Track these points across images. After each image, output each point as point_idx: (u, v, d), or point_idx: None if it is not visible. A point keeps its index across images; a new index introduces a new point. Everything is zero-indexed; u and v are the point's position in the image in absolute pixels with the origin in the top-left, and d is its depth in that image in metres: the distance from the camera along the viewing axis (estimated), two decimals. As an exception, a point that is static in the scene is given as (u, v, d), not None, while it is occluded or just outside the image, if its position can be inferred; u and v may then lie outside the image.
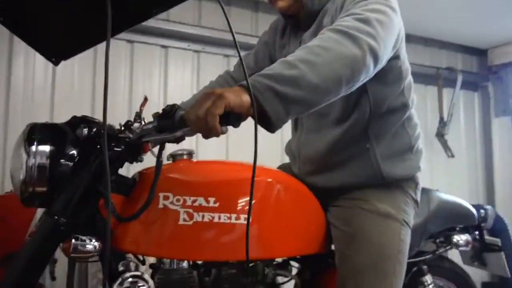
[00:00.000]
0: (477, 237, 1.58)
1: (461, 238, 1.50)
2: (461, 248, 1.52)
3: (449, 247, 1.49)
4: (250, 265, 1.20)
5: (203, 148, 2.62)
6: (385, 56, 1.03)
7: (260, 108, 0.86)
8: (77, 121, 1.06)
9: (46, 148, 0.99)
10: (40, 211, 1.94)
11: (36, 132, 1.00)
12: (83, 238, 0.96)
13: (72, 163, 1.01)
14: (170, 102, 0.99)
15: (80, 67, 2.59)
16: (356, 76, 0.95)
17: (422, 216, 1.39)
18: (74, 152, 1.02)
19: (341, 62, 0.92)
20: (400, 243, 1.20)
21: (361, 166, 1.25)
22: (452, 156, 3.62)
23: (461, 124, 3.94)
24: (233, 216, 1.06)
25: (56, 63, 1.25)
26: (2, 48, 2.43)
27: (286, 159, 1.52)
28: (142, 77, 2.76)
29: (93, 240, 0.96)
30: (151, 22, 2.63)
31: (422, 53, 3.79)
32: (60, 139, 1.02)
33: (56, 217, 0.96)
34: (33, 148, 0.98)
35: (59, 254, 2.40)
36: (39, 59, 2.51)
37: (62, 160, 1.00)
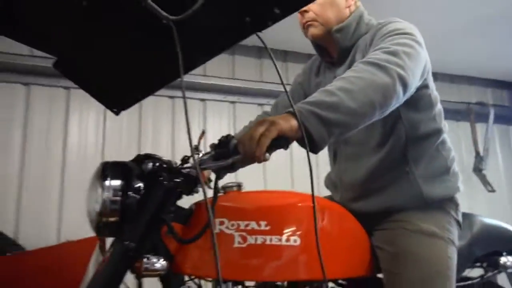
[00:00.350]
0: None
1: (508, 259, 1.49)
2: (509, 270, 1.51)
3: (496, 271, 1.48)
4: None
5: (244, 181, 2.76)
6: (413, 84, 1.14)
7: (306, 131, 0.97)
8: (141, 158, 1.19)
9: (118, 182, 1.10)
10: (95, 255, 2.07)
11: (108, 169, 1.13)
12: (152, 258, 1.06)
13: (139, 195, 1.13)
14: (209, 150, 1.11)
15: (127, 121, 2.81)
16: (388, 101, 1.07)
17: (466, 239, 1.41)
18: (141, 185, 1.14)
19: (374, 89, 1.05)
20: (448, 260, 1.23)
21: (402, 189, 1.32)
22: (493, 190, 3.58)
23: (498, 158, 3.92)
24: (283, 238, 1.14)
25: (117, 113, 1.34)
26: (60, 107, 2.69)
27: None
28: (183, 128, 2.96)
29: (161, 260, 1.07)
30: (189, 78, 2.86)
31: (451, 89, 3.87)
32: (128, 175, 1.14)
33: (126, 243, 1.08)
34: (107, 183, 1.09)
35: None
36: (92, 116, 2.76)
37: (130, 193, 1.12)
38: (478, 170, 3.56)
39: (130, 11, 0.94)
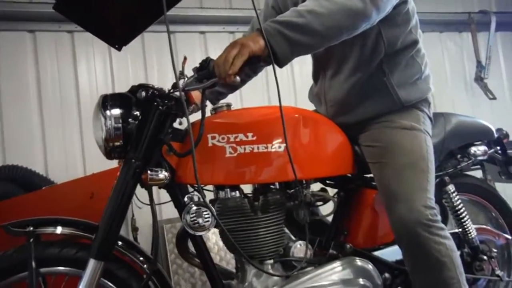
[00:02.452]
0: (499, 151, 1.70)
1: (478, 149, 1.63)
2: (479, 158, 1.65)
3: (469, 161, 1.63)
4: (291, 191, 1.43)
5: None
6: (388, 6, 1.23)
7: (272, 49, 1.10)
8: (135, 88, 1.34)
9: (117, 111, 1.25)
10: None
11: (107, 100, 1.28)
12: (156, 169, 1.24)
13: (137, 121, 1.28)
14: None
15: (132, 60, 2.95)
16: (358, 25, 1.18)
17: (440, 136, 1.55)
18: (137, 112, 1.29)
19: (344, 14, 1.15)
20: (427, 148, 1.40)
21: (381, 98, 1.44)
22: (494, 98, 3.64)
23: (501, 66, 3.92)
24: (269, 145, 1.30)
25: (119, 48, 1.45)
26: (67, 52, 2.85)
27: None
28: (188, 65, 3.07)
29: (163, 171, 1.25)
30: (186, 11, 2.93)
31: (455, 1, 3.80)
32: (126, 103, 1.29)
33: (133, 161, 1.25)
34: (108, 112, 1.25)
35: (140, 224, 2.77)
36: (98, 58, 2.90)
37: (129, 119, 1.27)
38: (479, 79, 3.61)
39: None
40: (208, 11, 3.13)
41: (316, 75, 1.63)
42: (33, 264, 1.17)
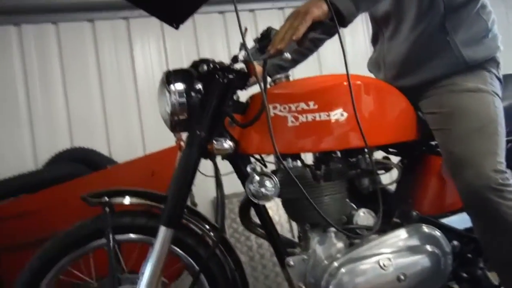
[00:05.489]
0: None
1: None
2: None
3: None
4: (353, 159, 1.42)
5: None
6: None
7: (336, 8, 1.08)
8: (197, 63, 1.37)
9: (181, 86, 1.29)
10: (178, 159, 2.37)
11: (171, 76, 1.32)
12: (220, 139, 1.27)
13: (200, 94, 1.32)
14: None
15: (185, 42, 3.01)
16: None
17: (510, 98, 1.47)
18: (200, 86, 1.32)
19: None
20: (495, 110, 1.33)
21: (444, 58, 1.38)
22: None
23: None
24: (331, 113, 1.30)
25: (176, 27, 1.51)
26: (123, 38, 2.95)
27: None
28: (237, 40, 3.09)
29: (227, 140, 1.28)
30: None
31: None
32: (189, 78, 1.32)
33: (198, 133, 1.29)
34: (172, 87, 1.29)
35: (199, 200, 2.84)
36: (153, 42, 2.99)
37: (192, 93, 1.31)
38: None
39: None
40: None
41: (375, 38, 1.59)
42: (110, 231, 1.25)
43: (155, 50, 3.03)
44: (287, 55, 1.16)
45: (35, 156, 2.73)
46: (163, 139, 2.35)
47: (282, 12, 3.19)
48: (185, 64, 3.05)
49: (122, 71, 2.96)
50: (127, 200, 1.31)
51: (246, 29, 1.30)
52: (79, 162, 2.61)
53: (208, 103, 1.30)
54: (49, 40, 2.87)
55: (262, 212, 1.39)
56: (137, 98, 2.94)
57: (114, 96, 2.91)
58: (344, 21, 1.14)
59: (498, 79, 1.40)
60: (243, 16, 3.29)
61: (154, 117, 2.76)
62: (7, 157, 2.66)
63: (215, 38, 3.08)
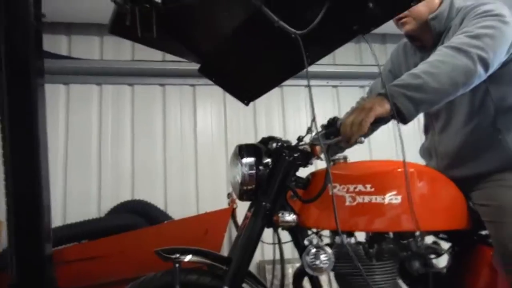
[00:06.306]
0: None
1: None
2: None
3: None
4: (404, 241, 1.49)
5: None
6: (495, 62, 1.32)
7: (397, 109, 1.23)
8: (266, 140, 1.54)
9: (252, 159, 1.44)
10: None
11: (243, 150, 1.47)
12: (285, 212, 1.40)
13: (267, 168, 1.47)
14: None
15: (243, 111, 3.26)
16: (469, 80, 1.28)
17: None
18: (268, 160, 1.47)
19: (455, 70, 1.27)
20: None
21: (495, 155, 1.46)
22: None
23: None
24: (386, 197, 1.40)
25: (247, 103, 1.71)
26: (188, 102, 3.25)
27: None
28: (292, 113, 3.31)
29: (292, 214, 1.40)
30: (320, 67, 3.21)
31: None
32: (258, 153, 1.48)
33: (264, 203, 1.42)
34: (244, 160, 1.44)
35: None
36: (214, 108, 3.25)
37: (261, 167, 1.46)
38: None
39: (266, 29, 1.25)
40: (313, 66, 3.35)
41: (426, 129, 1.71)
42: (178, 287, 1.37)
43: (216, 115, 3.29)
44: (363, 139, 1.30)
45: (99, 204, 2.95)
46: (216, 199, 2.50)
47: (335, 90, 3.40)
48: (242, 131, 3.30)
49: (184, 132, 3.22)
50: (194, 259, 1.43)
51: (314, 118, 1.47)
52: (138, 214, 2.80)
53: (275, 177, 1.44)
54: (124, 100, 3.19)
55: (315, 283, 1.47)
56: (195, 158, 3.16)
57: (175, 155, 3.15)
58: (405, 120, 1.28)
59: None
60: (299, 90, 3.54)
61: (210, 178, 2.99)
62: (76, 202, 2.90)
63: (271, 109, 3.31)
